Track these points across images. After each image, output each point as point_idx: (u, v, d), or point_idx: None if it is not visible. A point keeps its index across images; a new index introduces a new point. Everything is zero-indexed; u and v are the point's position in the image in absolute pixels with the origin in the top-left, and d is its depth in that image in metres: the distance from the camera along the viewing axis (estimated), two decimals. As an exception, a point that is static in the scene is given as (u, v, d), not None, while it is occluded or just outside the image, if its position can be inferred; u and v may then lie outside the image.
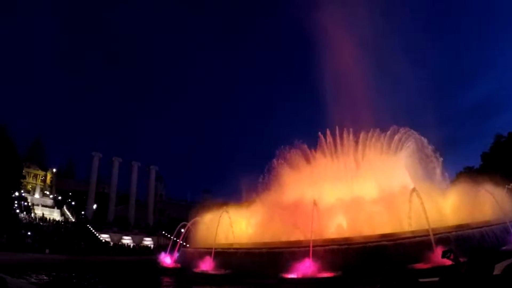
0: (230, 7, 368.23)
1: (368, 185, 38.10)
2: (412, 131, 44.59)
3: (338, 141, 45.87)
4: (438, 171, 43.01)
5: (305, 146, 47.86)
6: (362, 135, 45.04)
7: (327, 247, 24.83)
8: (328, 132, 46.37)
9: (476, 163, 79.70)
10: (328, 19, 54.07)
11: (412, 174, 42.99)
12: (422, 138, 43.98)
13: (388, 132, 45.01)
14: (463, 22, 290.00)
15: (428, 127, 46.52)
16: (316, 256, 23.84)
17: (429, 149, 43.47)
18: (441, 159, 43.16)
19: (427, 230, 23.14)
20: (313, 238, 26.10)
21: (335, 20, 53.84)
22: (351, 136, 45.73)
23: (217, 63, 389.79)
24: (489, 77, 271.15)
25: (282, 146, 48.57)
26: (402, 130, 44.73)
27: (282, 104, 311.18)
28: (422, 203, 24.83)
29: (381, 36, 59.61)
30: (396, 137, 44.47)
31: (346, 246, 24.74)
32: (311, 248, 24.46)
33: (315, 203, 28.81)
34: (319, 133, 47.16)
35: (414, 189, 26.87)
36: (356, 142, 45.29)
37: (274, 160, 47.94)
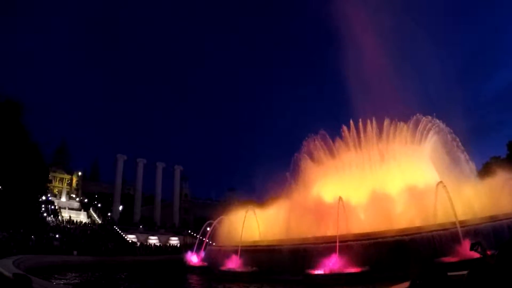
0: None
1: (394, 178, 37.78)
2: (436, 120, 44.01)
3: (361, 133, 45.23)
4: (464, 161, 42.39)
5: (329, 138, 47.65)
6: (385, 126, 44.59)
7: (353, 242, 24.64)
8: (351, 123, 46.01)
9: (503, 152, 78.49)
10: (349, 8, 53.60)
11: (437, 166, 42.54)
12: (446, 127, 43.41)
13: (411, 122, 44.49)
14: (487, 9, 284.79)
15: (453, 117, 45.77)
16: (343, 251, 23.71)
17: (454, 139, 42.89)
18: (464, 150, 42.62)
19: (454, 223, 22.84)
20: (339, 233, 25.96)
21: (356, 9, 53.38)
22: (374, 127, 45.25)
23: (239, 63, 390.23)
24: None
25: (305, 139, 48.39)
26: (425, 120, 44.26)
27: (305, 99, 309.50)
28: (449, 197, 24.46)
29: (403, 24, 58.73)
30: (420, 127, 43.98)
31: (372, 241, 24.54)
32: (337, 244, 24.36)
33: (340, 199, 28.68)
34: (343, 125, 46.90)
35: (440, 183, 26.46)
36: (380, 133, 44.92)
37: (297, 155, 47.83)
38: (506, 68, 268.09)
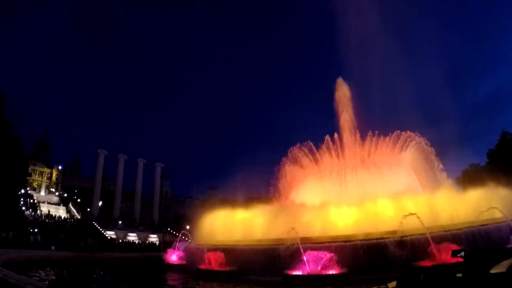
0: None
1: (374, 182, 38.40)
2: (415, 133, 45.45)
3: (344, 141, 47.28)
4: (438, 170, 43.58)
5: (312, 145, 48.45)
6: (368, 137, 45.82)
7: (331, 244, 24.85)
8: (335, 135, 47.12)
9: (482, 160, 79.67)
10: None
11: (418, 171, 43.44)
12: (424, 141, 44.68)
13: (392, 136, 46.23)
14: (470, 18, 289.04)
15: (434, 125, 46.89)
16: (322, 252, 23.96)
17: (431, 152, 44.00)
18: (438, 159, 43.81)
19: (425, 229, 23.24)
20: (318, 235, 26.21)
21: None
22: (357, 137, 46.41)
23: (223, 62, 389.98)
24: (495, 74, 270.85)
25: (289, 145, 49.20)
26: (404, 134, 45.73)
27: (290, 104, 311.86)
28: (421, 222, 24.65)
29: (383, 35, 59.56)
30: (400, 140, 45.82)
31: (350, 243, 24.78)
32: (316, 246, 24.61)
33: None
34: (327, 135, 48.09)
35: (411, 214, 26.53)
36: (363, 144, 45.97)
37: (282, 158, 48.51)
38: (488, 78, 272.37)
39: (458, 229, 24.31)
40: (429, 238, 22.05)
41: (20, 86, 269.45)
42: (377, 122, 46.07)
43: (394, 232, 25.05)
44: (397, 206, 30.05)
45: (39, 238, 54.36)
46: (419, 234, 23.26)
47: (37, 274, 28.50)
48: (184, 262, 34.56)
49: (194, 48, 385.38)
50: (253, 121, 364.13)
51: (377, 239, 24.95)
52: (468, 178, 37.30)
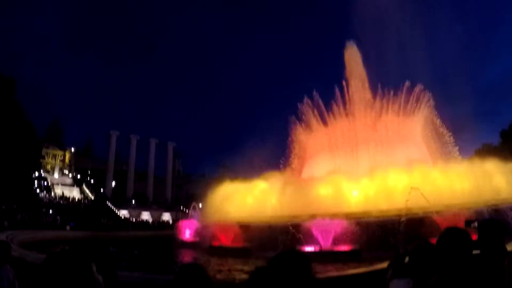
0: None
1: (386, 154, 38.19)
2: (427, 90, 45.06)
3: (355, 98, 45.88)
4: (452, 145, 43.25)
5: (321, 102, 47.62)
6: (379, 95, 45.24)
7: (344, 221, 24.83)
8: (344, 87, 46.50)
9: (495, 140, 79.16)
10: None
11: (427, 145, 43.09)
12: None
13: (404, 89, 45.18)
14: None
15: (447, 104, 46.06)
16: (333, 229, 23.99)
17: (441, 125, 43.66)
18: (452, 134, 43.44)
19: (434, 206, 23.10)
20: (332, 211, 26.18)
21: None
22: (368, 93, 46.01)
23: (232, 37, 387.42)
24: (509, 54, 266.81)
25: (299, 103, 48.53)
26: (416, 89, 45.14)
27: (301, 63, 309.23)
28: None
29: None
30: (412, 97, 44.91)
31: (363, 220, 24.80)
32: (329, 222, 24.62)
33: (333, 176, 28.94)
34: (335, 86, 47.21)
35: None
36: (374, 99, 45.43)
37: (291, 118, 48.57)
38: (503, 58, 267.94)
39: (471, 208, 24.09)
40: (436, 215, 21.99)
41: (32, 69, 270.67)
42: (387, 94, 44.80)
43: (408, 209, 24.99)
44: (411, 179, 29.88)
45: (58, 219, 55.04)
46: (428, 212, 23.29)
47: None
48: (197, 239, 34.77)
49: (206, 25, 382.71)
50: (264, 95, 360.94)
51: (388, 217, 24.94)
52: (480, 158, 36.78)
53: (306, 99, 48.27)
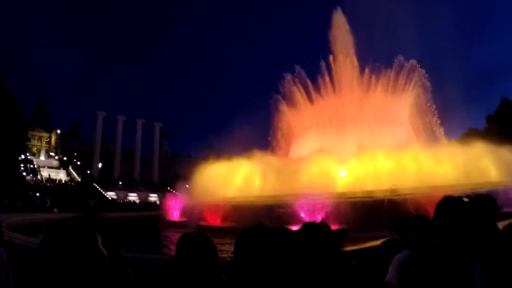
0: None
1: (373, 134, 38.31)
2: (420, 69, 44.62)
3: (341, 72, 45.13)
4: (438, 126, 43.39)
5: (306, 78, 47.49)
6: (367, 69, 44.98)
7: (330, 201, 25.01)
8: (331, 61, 45.88)
9: (481, 125, 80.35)
10: None
11: (414, 126, 43.27)
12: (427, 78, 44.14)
13: (395, 65, 44.79)
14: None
15: (435, 86, 45.86)
16: (321, 209, 24.19)
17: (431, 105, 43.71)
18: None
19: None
20: (318, 191, 26.32)
21: None
22: (356, 66, 45.37)
23: (217, 15, 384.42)
24: (500, 40, 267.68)
25: (282, 80, 48.35)
26: (408, 64, 44.67)
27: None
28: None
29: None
30: (403, 73, 44.51)
31: (349, 200, 25.01)
32: (316, 201, 24.80)
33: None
34: (322, 61, 46.52)
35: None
36: (361, 75, 45.08)
37: (275, 96, 48.27)
38: (491, 44, 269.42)
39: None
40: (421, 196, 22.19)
41: (16, 51, 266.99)
42: (376, 69, 44.31)
43: (393, 190, 25.23)
44: (398, 161, 30.17)
45: (48, 201, 54.87)
46: (413, 193, 23.49)
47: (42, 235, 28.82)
48: (184, 219, 34.86)
49: (186, 3, 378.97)
50: (251, 73, 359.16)
51: (374, 197, 25.24)
52: (466, 142, 37.14)
53: (287, 76, 47.97)
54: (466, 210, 3.67)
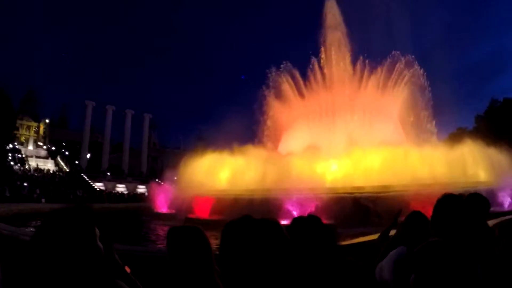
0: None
1: (362, 129, 38.33)
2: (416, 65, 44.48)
3: (333, 66, 44.96)
4: (429, 127, 43.48)
5: (297, 74, 47.29)
6: (359, 64, 44.84)
7: (319, 196, 25.03)
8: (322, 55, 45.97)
9: (470, 124, 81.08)
10: None
11: (404, 123, 43.35)
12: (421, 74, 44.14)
13: (388, 61, 44.53)
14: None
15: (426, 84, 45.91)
16: (310, 204, 24.20)
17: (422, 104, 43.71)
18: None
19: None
20: (307, 187, 26.32)
21: None
22: (348, 63, 45.36)
23: (208, 7, 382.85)
24: (490, 40, 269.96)
25: (270, 74, 48.05)
26: (404, 60, 44.44)
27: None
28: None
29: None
30: (396, 69, 44.29)
31: (338, 196, 25.03)
32: (305, 196, 24.81)
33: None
34: (312, 58, 46.57)
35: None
36: (353, 71, 45.01)
37: (264, 91, 47.78)
38: (481, 44, 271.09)
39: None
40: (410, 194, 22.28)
41: (3, 40, 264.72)
42: (368, 64, 44.23)
43: (383, 187, 25.34)
44: (387, 158, 30.23)
45: (38, 192, 54.57)
46: (402, 190, 23.63)
47: (30, 226, 28.61)
48: (172, 211, 34.77)
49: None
50: (241, 66, 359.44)
51: (362, 193, 25.26)
52: (455, 142, 37.32)
53: (275, 68, 47.83)
54: (466, 208, 3.69)
